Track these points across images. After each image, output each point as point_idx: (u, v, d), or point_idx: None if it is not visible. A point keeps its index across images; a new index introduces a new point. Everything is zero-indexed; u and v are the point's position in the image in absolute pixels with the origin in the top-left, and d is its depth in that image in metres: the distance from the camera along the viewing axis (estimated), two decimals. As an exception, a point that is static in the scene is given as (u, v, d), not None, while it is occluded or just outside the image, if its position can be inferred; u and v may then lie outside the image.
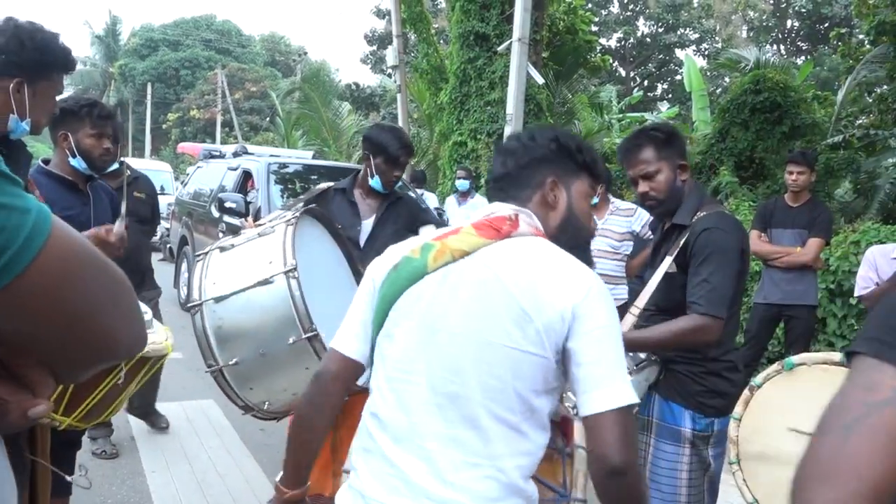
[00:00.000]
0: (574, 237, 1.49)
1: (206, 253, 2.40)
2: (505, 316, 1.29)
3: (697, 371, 2.27)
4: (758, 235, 4.72)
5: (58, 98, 2.17)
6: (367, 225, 3.11)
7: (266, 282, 2.21)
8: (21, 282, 0.60)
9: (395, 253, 1.46)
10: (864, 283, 3.87)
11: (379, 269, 1.46)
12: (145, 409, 4.42)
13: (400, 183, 3.23)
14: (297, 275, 2.17)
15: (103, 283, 0.69)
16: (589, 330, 1.27)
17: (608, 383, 1.25)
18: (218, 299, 2.25)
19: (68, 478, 2.63)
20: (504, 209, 1.44)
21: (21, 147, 2.07)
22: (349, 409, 1.82)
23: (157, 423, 4.47)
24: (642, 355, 2.29)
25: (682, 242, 2.25)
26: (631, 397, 1.26)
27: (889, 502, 0.78)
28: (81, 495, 3.40)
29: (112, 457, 4.04)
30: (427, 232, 2.57)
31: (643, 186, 2.31)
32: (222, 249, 2.39)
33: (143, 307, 2.23)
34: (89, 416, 2.10)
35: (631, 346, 2.20)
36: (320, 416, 1.46)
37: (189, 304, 2.29)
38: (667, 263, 2.27)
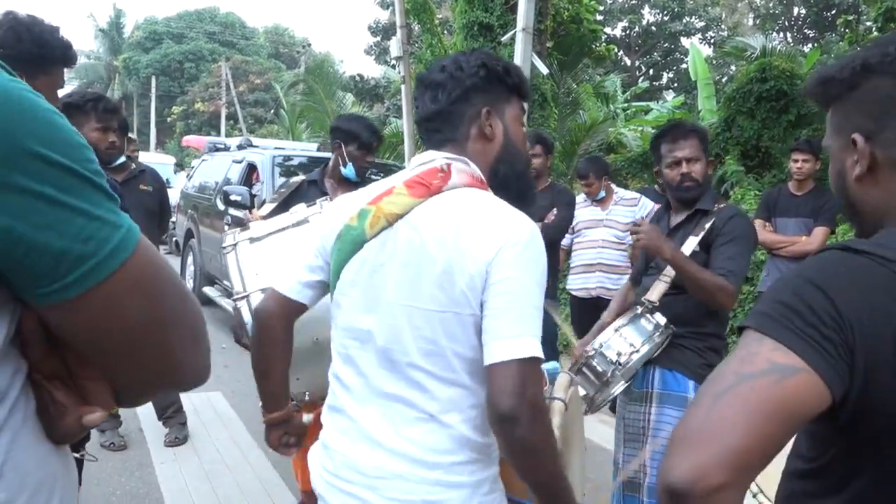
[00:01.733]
0: (512, 165, 1.47)
1: (234, 245, 2.40)
2: (430, 280, 1.31)
3: (701, 346, 2.49)
4: (762, 224, 4.68)
5: (62, 92, 2.17)
6: None
7: None
8: (98, 291, 0.62)
9: (340, 213, 1.45)
10: None
11: (327, 229, 1.47)
12: (164, 411, 4.28)
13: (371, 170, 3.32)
14: None
15: (176, 309, 0.71)
16: (495, 281, 1.27)
17: (508, 335, 1.25)
18: (265, 290, 2.24)
19: (76, 454, 2.66)
20: (437, 159, 1.41)
21: None
22: None
23: (175, 430, 4.27)
24: (662, 321, 2.44)
25: (707, 226, 2.48)
26: (531, 350, 1.24)
27: (754, 468, 0.80)
28: (91, 486, 3.43)
29: (121, 448, 4.07)
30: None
31: (686, 168, 2.56)
32: (252, 240, 2.40)
33: None
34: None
35: (682, 265, 2.38)
36: (268, 349, 1.56)
37: (235, 297, 2.32)
38: (693, 243, 2.47)
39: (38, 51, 1.97)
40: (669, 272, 2.47)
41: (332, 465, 1.41)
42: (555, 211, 4.21)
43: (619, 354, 2.39)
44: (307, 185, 3.21)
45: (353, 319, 1.41)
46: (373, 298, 1.37)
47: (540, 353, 1.26)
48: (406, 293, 1.33)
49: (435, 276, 1.30)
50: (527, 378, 1.23)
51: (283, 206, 3.03)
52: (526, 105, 1.55)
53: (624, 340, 2.41)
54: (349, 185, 3.20)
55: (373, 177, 3.46)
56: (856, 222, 1.05)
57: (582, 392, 2.40)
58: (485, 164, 1.44)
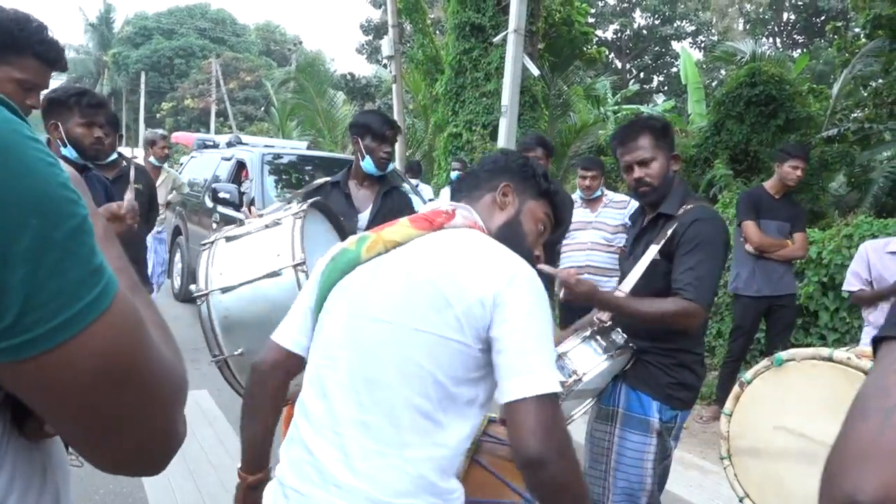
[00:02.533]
0: (510, 241, 1.46)
1: (213, 242, 2.39)
2: (424, 301, 1.29)
3: (668, 363, 2.30)
4: (755, 225, 4.71)
5: (44, 86, 2.11)
6: (364, 217, 3.13)
7: (274, 274, 2.21)
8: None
9: (332, 252, 1.49)
10: (854, 278, 3.91)
11: (320, 265, 1.49)
12: None
13: (391, 167, 3.27)
14: (305, 268, 2.19)
15: (158, 371, 0.63)
16: (510, 317, 1.25)
17: (528, 371, 1.22)
18: (225, 290, 2.25)
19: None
20: (442, 204, 1.49)
21: None
22: None
23: None
24: (620, 340, 2.29)
25: (669, 232, 2.27)
26: (552, 386, 1.22)
27: None
28: (73, 485, 3.39)
29: (105, 447, 4.04)
30: None
31: (639, 172, 2.34)
32: (228, 239, 2.38)
33: None
34: None
35: (617, 309, 2.25)
36: (260, 406, 1.50)
37: (195, 294, 2.28)
38: (653, 252, 2.28)
39: None
40: (625, 286, 2.31)
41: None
42: None
43: (560, 384, 2.22)
44: (330, 187, 3.17)
45: (331, 338, 1.37)
46: (356, 317, 1.35)
47: (559, 388, 1.24)
48: (395, 311, 1.31)
49: (429, 297, 1.28)
50: (550, 415, 1.21)
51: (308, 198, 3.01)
52: (554, 216, 1.62)
53: (571, 364, 2.19)
54: (372, 184, 3.20)
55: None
56: None
57: None
58: (487, 229, 1.50)
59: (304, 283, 2.13)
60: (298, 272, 2.19)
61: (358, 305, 1.35)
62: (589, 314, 2.56)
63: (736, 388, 2.43)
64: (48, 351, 0.53)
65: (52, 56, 2.01)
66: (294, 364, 1.48)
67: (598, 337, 2.27)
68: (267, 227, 2.36)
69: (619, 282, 2.60)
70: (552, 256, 4.40)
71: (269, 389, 1.49)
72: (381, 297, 1.33)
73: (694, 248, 2.21)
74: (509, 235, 1.49)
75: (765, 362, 2.37)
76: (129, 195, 2.62)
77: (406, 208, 3.27)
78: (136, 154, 13.97)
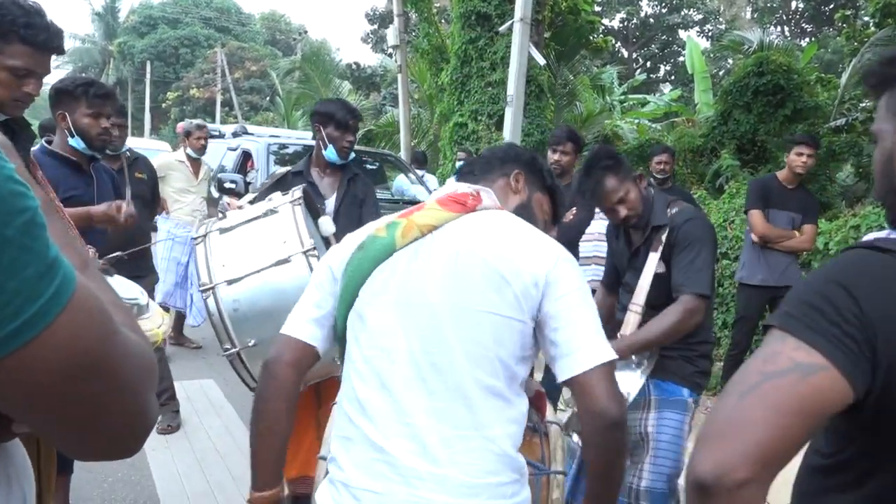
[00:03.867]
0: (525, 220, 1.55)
1: (205, 235, 2.36)
2: (482, 282, 1.30)
3: (691, 355, 2.46)
4: (762, 215, 4.67)
5: (52, 78, 2.09)
6: (330, 203, 3.15)
7: (284, 262, 2.21)
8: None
9: (355, 239, 1.45)
10: None
11: (337, 255, 1.45)
12: (157, 398, 4.22)
13: (353, 156, 3.25)
14: (316, 254, 2.21)
15: (125, 363, 0.62)
16: (563, 294, 1.31)
17: (589, 342, 1.29)
18: (231, 281, 2.23)
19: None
20: (464, 187, 1.48)
21: (24, 126, 1.99)
22: (333, 385, 1.81)
23: (168, 417, 4.21)
24: (645, 358, 2.41)
25: (664, 238, 2.40)
26: (611, 353, 1.30)
27: (777, 464, 0.81)
28: (82, 473, 3.42)
29: (113, 435, 4.06)
30: (323, 222, 2.59)
31: (622, 211, 2.45)
32: (222, 231, 2.36)
33: (139, 291, 2.21)
34: None
35: (638, 349, 2.36)
36: (274, 409, 1.39)
37: (200, 288, 2.26)
38: (654, 260, 2.41)
39: None
40: (638, 301, 2.43)
41: None
42: (574, 210, 4.18)
43: None
44: (292, 177, 3.16)
45: (381, 328, 1.32)
46: (408, 304, 1.32)
47: (615, 355, 1.33)
48: (454, 295, 1.30)
49: (487, 278, 1.30)
50: (614, 380, 1.29)
51: (264, 197, 3.01)
52: (553, 213, 1.66)
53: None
54: (335, 171, 3.20)
55: (367, 165, 3.46)
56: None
57: (565, 418, 2.32)
58: (505, 208, 1.52)
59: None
60: (309, 257, 2.20)
61: (408, 292, 1.33)
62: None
63: None
64: (12, 353, 0.52)
65: (41, 40, 1.92)
66: (309, 357, 1.42)
67: (632, 357, 2.40)
68: (264, 215, 2.34)
69: (610, 283, 2.73)
70: (574, 253, 4.37)
71: (284, 389, 1.38)
72: (434, 282, 1.32)
73: (689, 245, 2.36)
74: (525, 217, 1.50)
75: None
76: (128, 202, 2.62)
77: (370, 193, 3.29)
78: (141, 143, 13.97)
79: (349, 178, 3.21)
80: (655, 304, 2.40)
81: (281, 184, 3.06)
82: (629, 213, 2.44)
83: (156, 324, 2.29)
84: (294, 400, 1.41)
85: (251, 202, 2.66)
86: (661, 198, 2.53)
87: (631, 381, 2.36)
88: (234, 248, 2.31)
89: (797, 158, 4.67)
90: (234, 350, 2.24)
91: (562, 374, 1.29)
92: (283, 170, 3.27)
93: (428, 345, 1.28)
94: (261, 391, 1.41)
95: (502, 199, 1.52)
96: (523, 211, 1.54)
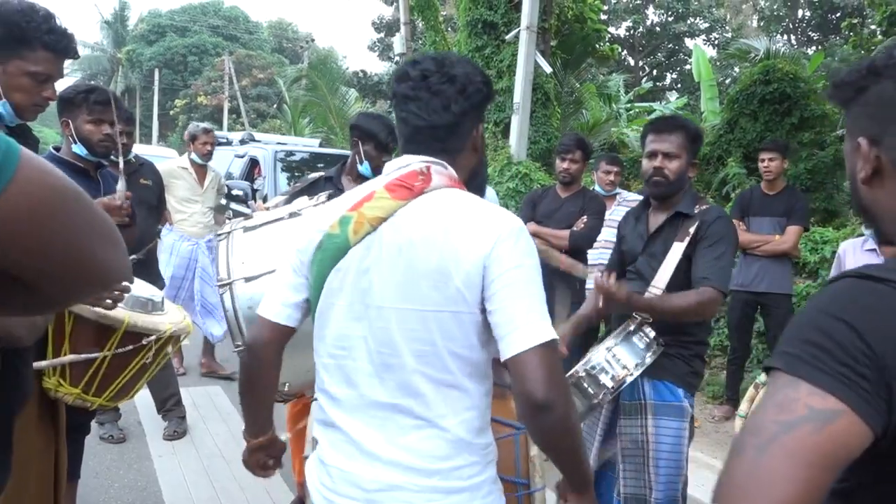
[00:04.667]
0: (481, 173, 1.54)
1: (229, 233, 2.38)
2: (424, 281, 1.30)
3: (687, 354, 2.47)
4: (737, 224, 4.73)
5: (63, 84, 2.10)
6: None
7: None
8: None
9: (315, 225, 1.44)
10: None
11: (303, 241, 1.45)
12: (164, 404, 4.25)
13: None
14: None
15: (80, 213, 0.73)
16: (498, 275, 1.28)
17: (524, 323, 1.26)
18: (248, 279, 2.24)
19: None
20: (413, 162, 1.41)
21: (26, 132, 2.02)
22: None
23: (174, 423, 4.25)
24: (652, 336, 2.40)
25: (692, 230, 2.42)
26: (549, 334, 1.26)
27: None
28: (89, 479, 3.43)
29: (119, 441, 4.08)
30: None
31: (660, 162, 2.47)
32: (246, 229, 2.38)
33: (154, 291, 2.26)
34: (119, 395, 2.18)
35: (652, 309, 2.38)
36: (259, 381, 1.55)
37: (218, 283, 2.28)
38: (679, 249, 2.42)
39: (3, 32, 1.83)
40: (658, 283, 2.41)
41: (330, 481, 1.40)
42: (584, 218, 4.17)
43: (612, 378, 2.32)
44: (324, 182, 3.23)
45: (341, 328, 1.38)
46: (361, 304, 1.35)
47: (556, 335, 1.28)
48: (397, 295, 1.32)
49: (427, 276, 1.30)
50: (552, 362, 1.25)
51: (293, 200, 3.02)
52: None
53: (617, 363, 2.34)
54: (365, 179, 3.23)
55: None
56: (872, 226, 1.04)
57: None
58: (468, 170, 1.48)
59: None
60: None
61: (360, 293, 1.35)
62: (585, 305, 2.64)
63: (751, 391, 2.46)
64: None
65: (62, 45, 1.96)
66: (284, 335, 1.51)
67: (641, 331, 2.40)
68: (288, 217, 2.37)
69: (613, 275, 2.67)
70: (583, 260, 4.34)
71: (265, 366, 1.51)
72: (380, 283, 1.33)
73: (717, 242, 2.39)
74: (481, 169, 1.53)
75: None
76: (121, 184, 2.58)
77: None
78: (148, 150, 14.03)
79: None
80: (671, 291, 2.41)
81: (312, 188, 3.13)
82: (663, 168, 2.46)
83: (181, 316, 2.34)
84: (275, 372, 1.53)
85: (279, 205, 2.68)
86: (692, 193, 2.58)
87: (634, 357, 2.36)
88: (256, 246, 2.32)
89: (762, 165, 4.90)
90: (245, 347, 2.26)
91: (502, 357, 1.29)
92: (316, 175, 3.32)
93: (380, 345, 1.34)
94: (245, 370, 1.54)
95: (464, 166, 1.46)
96: (480, 168, 1.53)
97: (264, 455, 1.66)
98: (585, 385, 2.33)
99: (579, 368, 2.35)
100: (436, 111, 1.40)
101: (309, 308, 1.47)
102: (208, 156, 5.47)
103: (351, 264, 1.36)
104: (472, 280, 1.28)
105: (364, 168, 3.20)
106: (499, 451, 1.47)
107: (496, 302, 1.28)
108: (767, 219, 4.79)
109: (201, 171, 5.47)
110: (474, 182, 1.51)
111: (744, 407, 2.44)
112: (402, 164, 1.43)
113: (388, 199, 1.37)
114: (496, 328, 1.28)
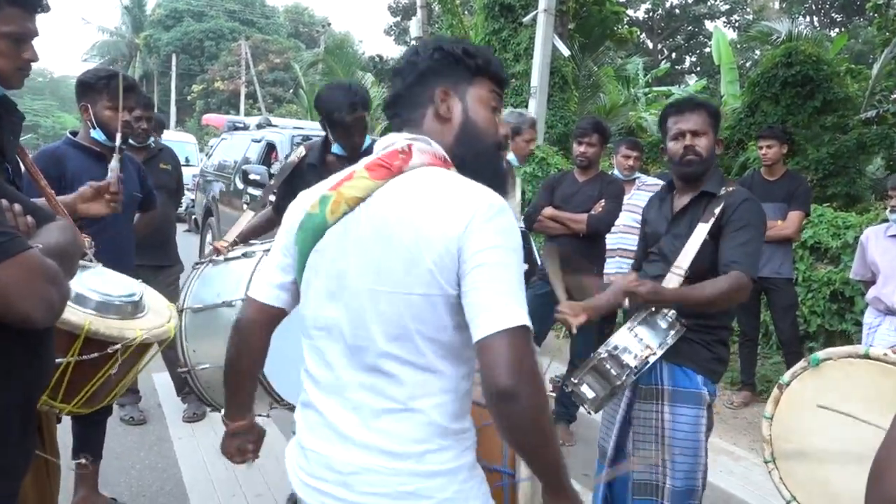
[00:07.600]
0: (471, 145, 1.41)
1: (203, 263, 2.74)
2: (396, 263, 1.26)
3: (709, 339, 2.40)
4: None
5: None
6: None
7: (229, 304, 2.51)
8: None
9: (301, 204, 1.44)
10: (856, 265, 4.05)
11: (288, 220, 1.45)
12: (183, 386, 4.15)
13: (369, 143, 2.85)
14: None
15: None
16: (471, 255, 1.22)
17: (492, 306, 1.19)
18: (196, 310, 2.59)
19: (70, 467, 2.68)
20: (398, 141, 1.38)
21: (11, 108, 1.79)
22: None
23: (194, 406, 4.23)
24: (672, 317, 2.34)
25: (717, 211, 2.36)
26: (520, 319, 1.19)
27: None
28: (111, 460, 3.48)
29: (140, 423, 4.12)
30: None
31: (692, 140, 2.45)
32: (215, 263, 2.72)
33: (135, 287, 2.18)
34: (91, 401, 2.06)
35: (681, 300, 2.32)
36: (244, 360, 1.55)
37: (180, 371, 2.64)
38: (703, 230, 2.36)
39: None
40: (681, 264, 2.35)
41: (307, 464, 1.39)
42: (602, 202, 4.15)
43: (635, 358, 2.27)
44: (307, 167, 2.96)
45: (318, 309, 1.37)
46: (336, 286, 1.33)
47: (529, 322, 1.21)
48: (370, 277, 1.29)
49: (399, 258, 1.26)
50: (521, 349, 1.18)
51: (287, 186, 2.90)
52: (500, 86, 1.47)
53: (640, 343, 2.30)
54: (347, 162, 3.06)
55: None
56: None
57: (591, 394, 2.30)
58: (445, 145, 1.39)
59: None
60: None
61: (336, 274, 1.33)
62: (608, 293, 2.60)
63: (775, 391, 2.45)
64: None
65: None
66: (275, 317, 1.50)
67: (663, 312, 2.34)
68: (244, 256, 2.64)
69: (637, 264, 2.65)
70: (601, 254, 4.32)
71: (249, 347, 1.52)
72: (355, 265, 1.31)
73: (746, 226, 2.34)
74: (466, 140, 1.41)
75: (801, 363, 2.41)
76: (113, 163, 2.47)
77: None
78: (166, 135, 14.11)
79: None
80: (692, 273, 2.34)
81: (296, 177, 2.93)
82: (695, 146, 2.43)
83: (164, 319, 2.21)
84: (264, 351, 1.54)
85: (237, 240, 2.93)
86: (718, 173, 2.54)
87: (656, 337, 2.32)
88: (211, 280, 2.67)
89: (759, 151, 4.87)
90: (186, 370, 2.63)
91: (473, 341, 1.24)
92: (295, 157, 3.08)
93: (354, 328, 1.31)
94: (233, 347, 1.54)
95: (439, 136, 1.39)
96: (464, 137, 1.41)
97: (243, 440, 1.67)
98: (608, 366, 2.28)
99: (601, 350, 2.31)
100: (394, 86, 1.46)
101: (299, 290, 1.44)
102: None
103: (329, 245, 1.35)
104: (444, 261, 1.23)
105: (336, 149, 2.89)
106: (484, 439, 1.43)
107: (468, 283, 1.22)
108: (769, 204, 4.70)
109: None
110: (457, 157, 1.40)
111: (769, 408, 2.42)
112: (387, 143, 1.40)
113: (367, 178, 1.34)
114: (466, 311, 1.23)
